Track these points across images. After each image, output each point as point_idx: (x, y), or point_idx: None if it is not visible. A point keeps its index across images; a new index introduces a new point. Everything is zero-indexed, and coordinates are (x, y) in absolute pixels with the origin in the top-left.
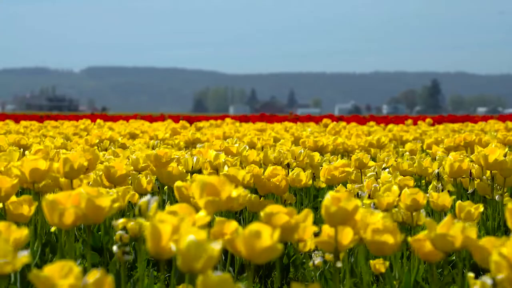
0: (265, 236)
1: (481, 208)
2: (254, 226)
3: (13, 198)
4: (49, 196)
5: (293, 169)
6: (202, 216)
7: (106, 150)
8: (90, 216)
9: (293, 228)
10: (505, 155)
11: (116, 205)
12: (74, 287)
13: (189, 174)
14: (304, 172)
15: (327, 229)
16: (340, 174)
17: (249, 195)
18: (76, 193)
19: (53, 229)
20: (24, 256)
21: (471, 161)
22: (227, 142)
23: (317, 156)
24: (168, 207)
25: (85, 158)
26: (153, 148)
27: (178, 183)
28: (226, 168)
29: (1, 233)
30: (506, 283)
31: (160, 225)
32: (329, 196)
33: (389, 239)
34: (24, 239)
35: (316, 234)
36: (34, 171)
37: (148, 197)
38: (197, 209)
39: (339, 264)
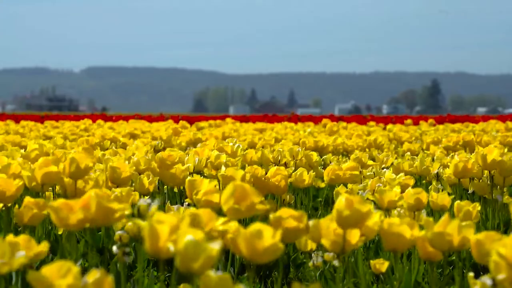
0: (266, 236)
1: (478, 207)
2: (255, 226)
3: (29, 199)
4: (56, 203)
5: (295, 169)
6: (226, 221)
7: (106, 149)
8: (99, 220)
9: (301, 232)
10: (502, 155)
11: (128, 211)
12: (73, 287)
13: (190, 174)
14: (307, 171)
15: (335, 229)
16: (344, 174)
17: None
18: (87, 196)
19: (60, 231)
20: (21, 257)
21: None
22: (227, 142)
23: (314, 155)
24: (192, 209)
25: (91, 159)
26: (154, 148)
27: (191, 179)
28: (223, 168)
29: (22, 247)
30: (506, 283)
31: (157, 225)
32: (342, 199)
33: (406, 232)
34: (44, 253)
35: None
36: (46, 175)
37: (148, 199)
38: (210, 208)
39: (335, 263)
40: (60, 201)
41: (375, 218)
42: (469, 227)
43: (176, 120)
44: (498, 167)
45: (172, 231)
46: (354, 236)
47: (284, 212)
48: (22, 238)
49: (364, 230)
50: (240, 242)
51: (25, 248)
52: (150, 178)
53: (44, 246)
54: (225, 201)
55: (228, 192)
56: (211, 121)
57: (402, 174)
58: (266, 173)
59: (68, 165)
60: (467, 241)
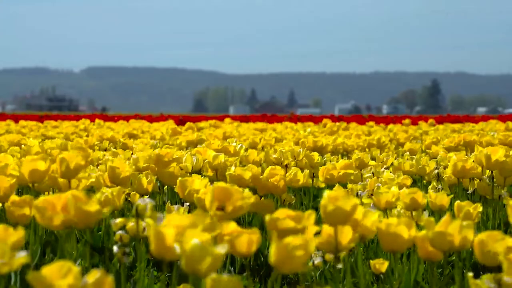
0: (300, 250)
1: (480, 208)
2: (290, 239)
3: (15, 197)
4: (39, 201)
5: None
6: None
7: (105, 150)
8: (79, 222)
9: (299, 232)
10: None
11: (106, 209)
12: (73, 287)
13: (189, 174)
14: (303, 172)
15: (327, 229)
16: (338, 174)
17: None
18: (64, 197)
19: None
20: (21, 257)
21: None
22: (228, 142)
23: (316, 156)
24: (184, 214)
25: (82, 158)
26: (154, 149)
27: (182, 179)
28: (233, 168)
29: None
30: None
31: (164, 227)
32: (326, 195)
33: (404, 232)
34: (21, 241)
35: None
36: (34, 172)
37: (145, 198)
38: (201, 207)
39: (339, 266)
40: (42, 198)
41: (374, 217)
42: (470, 227)
43: (177, 120)
44: (500, 167)
45: (178, 233)
46: (346, 235)
47: (281, 213)
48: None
49: (361, 229)
50: (273, 251)
51: (3, 237)
52: (149, 178)
53: (20, 234)
54: (209, 206)
55: (209, 197)
56: (211, 121)
57: (400, 173)
58: None
59: (58, 165)
60: (468, 241)
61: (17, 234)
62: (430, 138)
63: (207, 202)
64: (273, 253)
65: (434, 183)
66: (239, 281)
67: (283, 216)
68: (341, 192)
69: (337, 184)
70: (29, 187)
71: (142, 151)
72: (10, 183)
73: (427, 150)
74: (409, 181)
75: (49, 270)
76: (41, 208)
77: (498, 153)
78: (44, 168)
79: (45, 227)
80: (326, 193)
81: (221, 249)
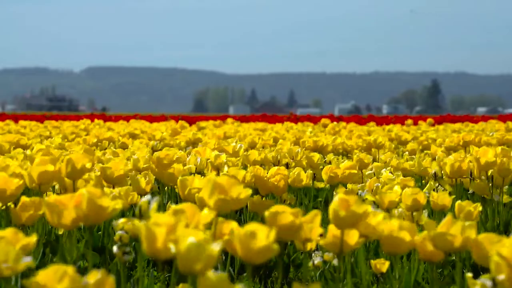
0: (260, 237)
1: (480, 208)
2: (249, 226)
3: (25, 198)
4: (50, 198)
5: (293, 169)
6: (207, 213)
7: (105, 149)
8: (91, 217)
9: (297, 228)
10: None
11: (118, 206)
12: None
13: (190, 174)
14: (305, 172)
15: (332, 230)
16: (342, 174)
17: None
18: (78, 194)
19: (60, 231)
20: (26, 262)
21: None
22: (227, 142)
23: (316, 156)
24: (174, 206)
25: (88, 159)
26: (152, 149)
27: (182, 178)
28: (226, 168)
29: (8, 239)
30: (506, 284)
31: (154, 226)
32: (337, 199)
33: (406, 236)
34: (32, 246)
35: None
36: (43, 174)
37: (148, 197)
38: (201, 206)
39: (336, 263)
40: (53, 197)
41: (379, 218)
42: (471, 228)
43: (176, 120)
44: (492, 168)
45: (169, 232)
46: (353, 237)
47: (280, 208)
48: (9, 231)
49: (366, 230)
50: (235, 242)
51: (12, 240)
52: (148, 179)
53: (32, 239)
54: (209, 195)
55: (210, 186)
56: (211, 121)
57: (400, 173)
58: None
59: (64, 165)
60: (469, 242)
61: (27, 239)
62: (425, 138)
63: (206, 193)
64: (237, 246)
65: (431, 182)
66: (228, 280)
67: (282, 210)
68: (352, 196)
69: (340, 185)
70: (28, 188)
71: (139, 150)
72: (17, 185)
73: (426, 151)
74: (411, 183)
75: (45, 275)
76: (52, 205)
77: (488, 154)
78: (52, 170)
79: (55, 226)
80: (338, 197)
81: (216, 246)
